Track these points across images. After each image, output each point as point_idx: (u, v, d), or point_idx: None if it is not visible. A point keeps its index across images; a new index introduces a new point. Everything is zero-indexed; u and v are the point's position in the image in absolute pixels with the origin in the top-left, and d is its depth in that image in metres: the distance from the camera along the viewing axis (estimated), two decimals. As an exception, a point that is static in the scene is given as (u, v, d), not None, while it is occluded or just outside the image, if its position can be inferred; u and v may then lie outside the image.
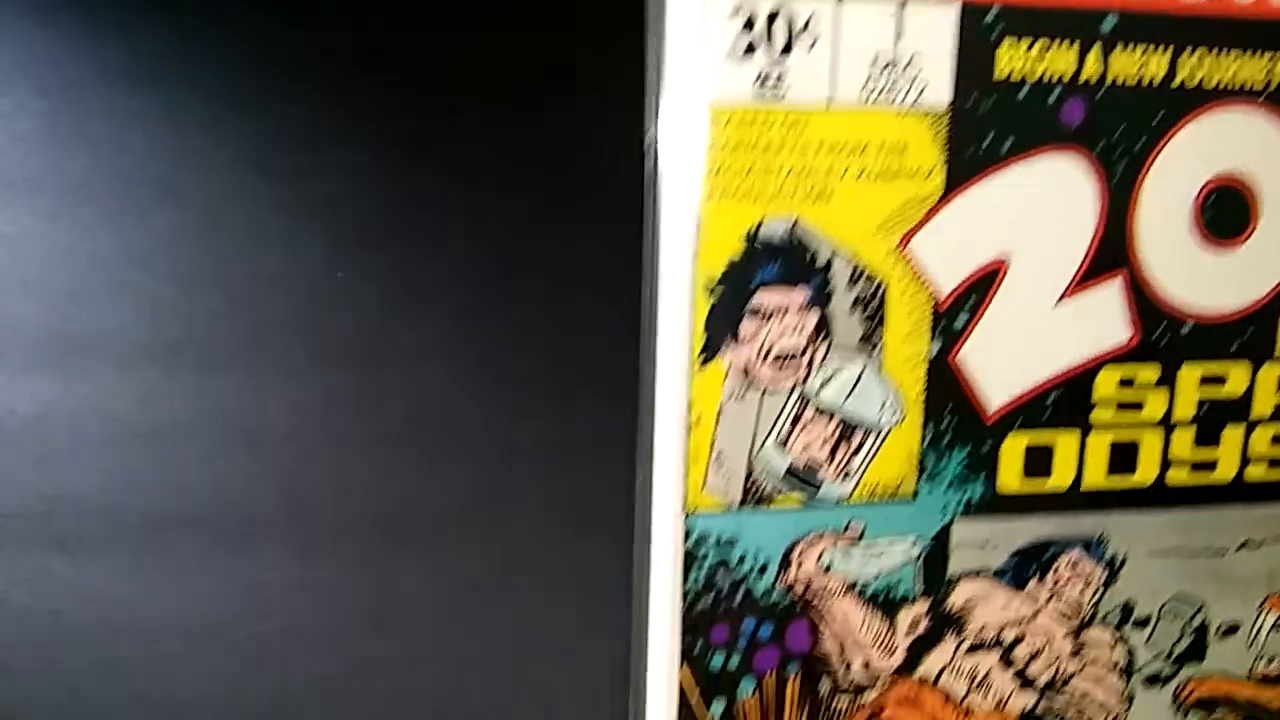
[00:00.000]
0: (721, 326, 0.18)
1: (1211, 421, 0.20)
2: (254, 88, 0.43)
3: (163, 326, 0.42)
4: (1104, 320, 0.19)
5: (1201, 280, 0.20)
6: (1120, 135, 0.19)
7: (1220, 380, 0.20)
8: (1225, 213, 0.20)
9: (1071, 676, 0.21)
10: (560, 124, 0.36)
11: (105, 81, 0.43)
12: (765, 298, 0.18)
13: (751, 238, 0.18)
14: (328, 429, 0.40)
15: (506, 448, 0.39)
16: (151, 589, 0.39)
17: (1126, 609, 0.21)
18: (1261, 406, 0.20)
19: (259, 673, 0.38)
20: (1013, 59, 0.18)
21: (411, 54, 0.42)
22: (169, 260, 0.42)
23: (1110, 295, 0.19)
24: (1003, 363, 0.19)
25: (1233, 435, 0.20)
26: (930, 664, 0.20)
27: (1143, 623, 0.21)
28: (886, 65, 0.18)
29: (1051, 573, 0.20)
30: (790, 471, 0.19)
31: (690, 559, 0.19)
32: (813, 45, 0.18)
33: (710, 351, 0.18)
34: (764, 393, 0.19)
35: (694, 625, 0.19)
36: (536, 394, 0.37)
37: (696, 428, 0.19)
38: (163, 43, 0.43)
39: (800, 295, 0.18)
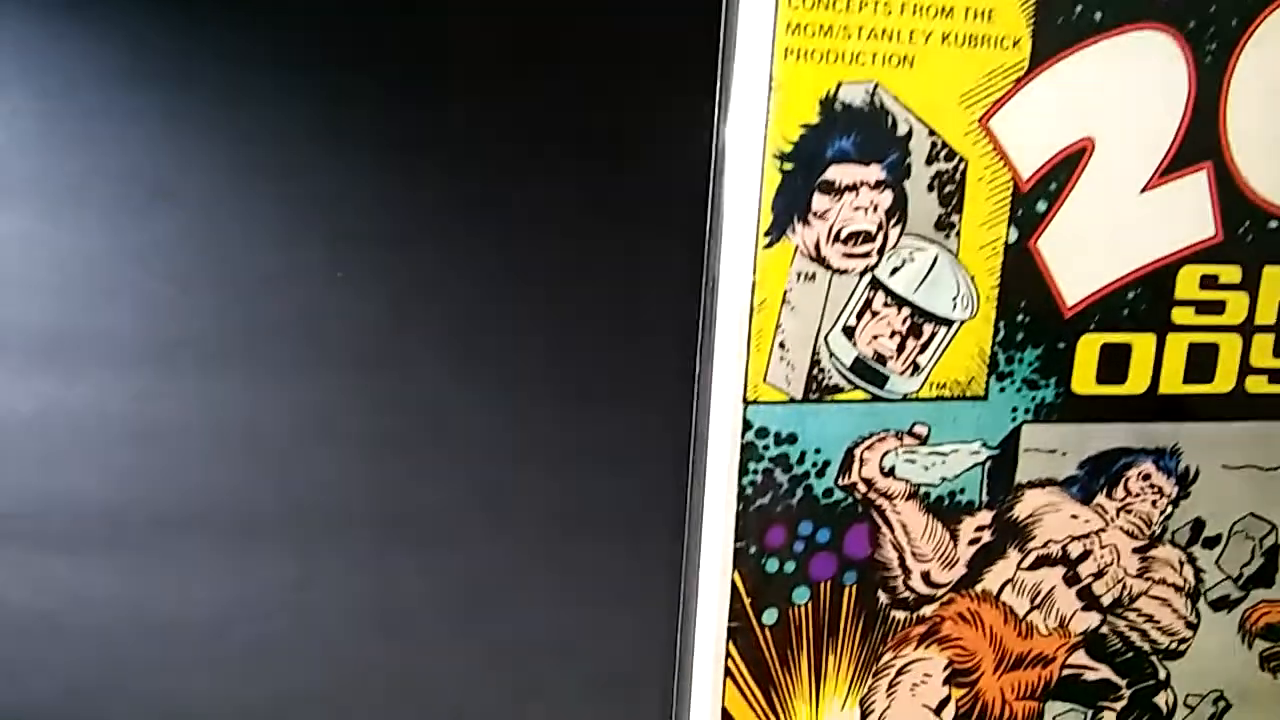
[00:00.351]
0: (791, 203, 0.17)
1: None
2: (252, 89, 0.42)
3: (162, 326, 0.41)
4: (1188, 214, 0.18)
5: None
6: (1213, 14, 0.18)
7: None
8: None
9: (1137, 597, 0.20)
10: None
11: (104, 83, 0.43)
12: (839, 172, 0.17)
13: (828, 104, 0.17)
14: (327, 429, 0.40)
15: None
16: (151, 588, 0.39)
17: (1197, 527, 0.20)
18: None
19: (259, 672, 0.38)
20: (1105, -74, 0.17)
21: (412, 51, 0.41)
22: (168, 260, 0.42)
23: (1196, 187, 0.18)
24: (1082, 254, 0.18)
25: (1316, 345, 0.20)
26: (991, 578, 0.19)
27: (1212, 542, 0.20)
28: (975, -76, 0.17)
29: (1121, 485, 0.19)
30: (856, 363, 0.18)
31: (748, 454, 0.18)
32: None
33: (778, 230, 0.17)
34: (832, 277, 0.18)
35: (749, 526, 0.18)
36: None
37: (760, 312, 0.17)
38: (161, 44, 0.43)
39: (875, 171, 0.17)
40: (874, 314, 0.18)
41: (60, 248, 0.42)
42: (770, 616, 0.19)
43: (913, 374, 0.18)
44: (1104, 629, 0.20)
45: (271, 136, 0.42)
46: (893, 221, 0.18)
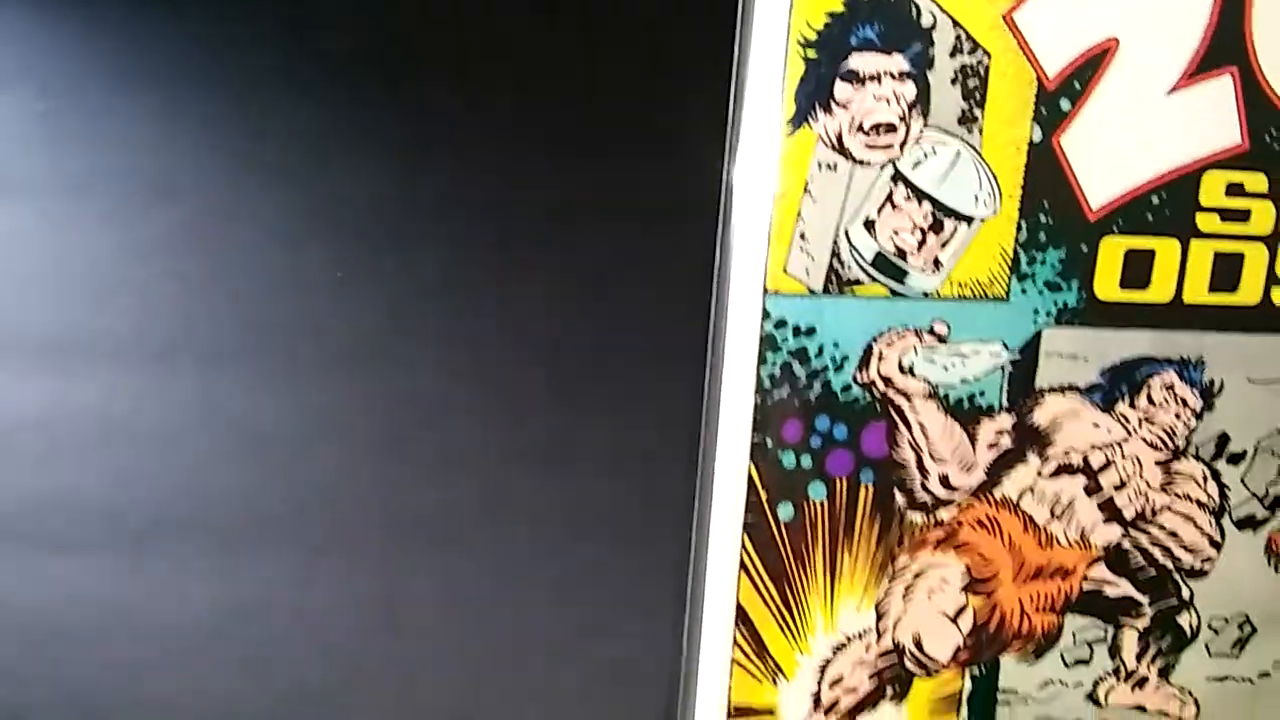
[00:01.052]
0: (814, 91, 0.17)
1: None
2: (253, 88, 0.43)
3: (163, 326, 0.41)
4: (1215, 118, 0.18)
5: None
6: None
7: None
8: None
9: (1159, 511, 0.20)
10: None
11: (106, 82, 0.43)
12: (862, 61, 0.17)
13: (852, -9, 0.17)
14: (329, 429, 0.40)
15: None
16: (152, 590, 0.38)
17: (1221, 441, 0.20)
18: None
19: (260, 674, 0.38)
20: None
21: (412, 52, 0.42)
22: (169, 260, 0.42)
23: (1223, 91, 0.18)
24: (1107, 155, 0.18)
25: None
26: (1011, 485, 0.19)
27: (1237, 458, 0.20)
28: None
29: (1144, 394, 0.19)
30: (877, 257, 0.18)
31: (766, 345, 0.18)
32: None
33: (800, 118, 0.17)
34: (854, 169, 0.18)
35: (766, 419, 0.18)
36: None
37: (781, 201, 0.18)
38: (163, 44, 0.43)
39: (899, 62, 0.17)
40: (895, 208, 0.18)
41: (61, 247, 0.42)
42: (786, 512, 0.19)
43: (934, 271, 0.18)
44: (1125, 543, 0.20)
45: (273, 136, 0.43)
46: (915, 114, 0.18)
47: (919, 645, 0.19)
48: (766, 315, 0.18)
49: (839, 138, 0.18)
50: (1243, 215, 0.19)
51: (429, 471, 0.39)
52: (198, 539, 0.39)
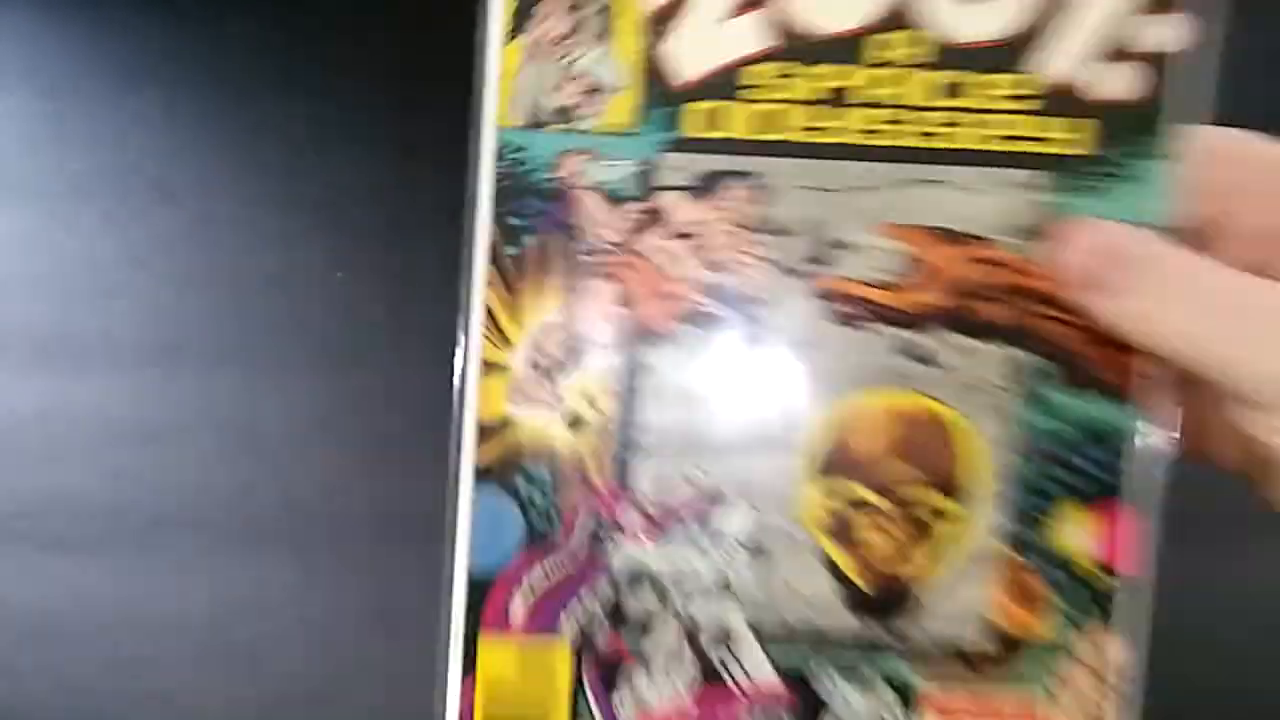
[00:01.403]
0: (527, 6, 0.32)
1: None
2: (253, 90, 0.45)
3: (162, 327, 0.43)
4: (756, 36, 0.32)
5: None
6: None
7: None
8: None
9: (736, 263, 0.33)
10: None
11: (107, 84, 0.44)
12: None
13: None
14: (326, 429, 0.42)
15: None
16: (151, 588, 0.40)
17: (775, 223, 0.33)
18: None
19: (259, 671, 0.39)
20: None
21: (412, 55, 0.44)
22: (168, 261, 0.43)
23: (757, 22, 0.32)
24: (690, 51, 0.32)
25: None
26: (644, 244, 0.33)
27: (783, 232, 0.33)
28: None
29: (723, 192, 0.33)
30: (559, 108, 0.33)
31: (498, 156, 0.33)
32: None
33: (513, 34, 0.33)
34: (543, 64, 0.33)
35: (501, 201, 0.33)
36: None
37: (506, 79, 0.33)
38: (163, 46, 0.45)
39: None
40: (573, 80, 0.33)
41: (61, 248, 0.43)
42: (514, 251, 0.33)
43: (594, 118, 0.33)
44: (715, 281, 0.33)
45: (272, 138, 0.44)
46: (576, 33, 0.32)
47: (590, 331, 0.33)
48: (499, 140, 0.33)
49: (535, 43, 0.33)
50: (779, 87, 0.32)
51: (427, 471, 0.37)
52: (197, 537, 0.40)
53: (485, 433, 0.33)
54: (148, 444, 0.41)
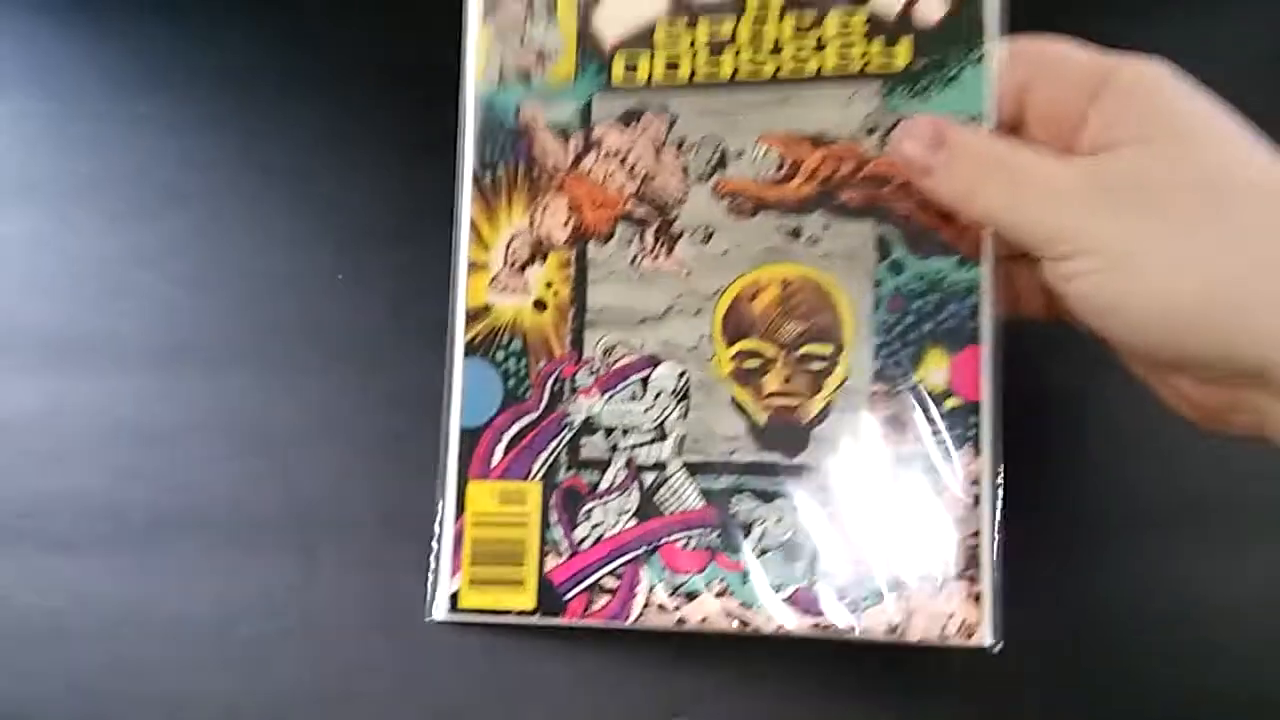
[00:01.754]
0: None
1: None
2: (260, 93, 0.45)
3: (168, 328, 0.42)
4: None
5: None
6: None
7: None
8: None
9: (656, 176, 0.43)
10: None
11: (112, 86, 0.44)
12: (505, -5, 0.44)
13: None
14: (333, 429, 0.41)
15: None
16: (156, 588, 0.39)
17: (683, 141, 0.42)
18: None
19: (264, 671, 0.39)
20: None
21: (413, 59, 0.46)
22: (175, 262, 0.43)
23: None
24: (611, 20, 0.43)
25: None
26: (583, 166, 0.43)
27: (689, 147, 0.42)
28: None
29: (642, 122, 0.43)
30: (517, 70, 0.44)
31: (479, 105, 0.44)
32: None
33: (489, 11, 0.44)
34: (507, 38, 0.44)
35: (482, 139, 0.44)
36: None
37: (481, 52, 0.44)
38: (168, 48, 0.45)
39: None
40: (530, 51, 0.44)
41: (68, 249, 0.42)
42: (488, 177, 0.44)
43: (541, 74, 0.43)
44: (640, 192, 0.43)
45: (279, 140, 0.45)
46: (532, 15, 0.44)
47: (549, 234, 0.43)
48: (478, 97, 0.44)
49: (500, 24, 0.44)
50: (677, 40, 0.42)
51: (429, 470, 0.41)
52: (202, 537, 0.39)
53: (471, 317, 0.43)
54: (153, 444, 0.40)
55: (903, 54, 0.40)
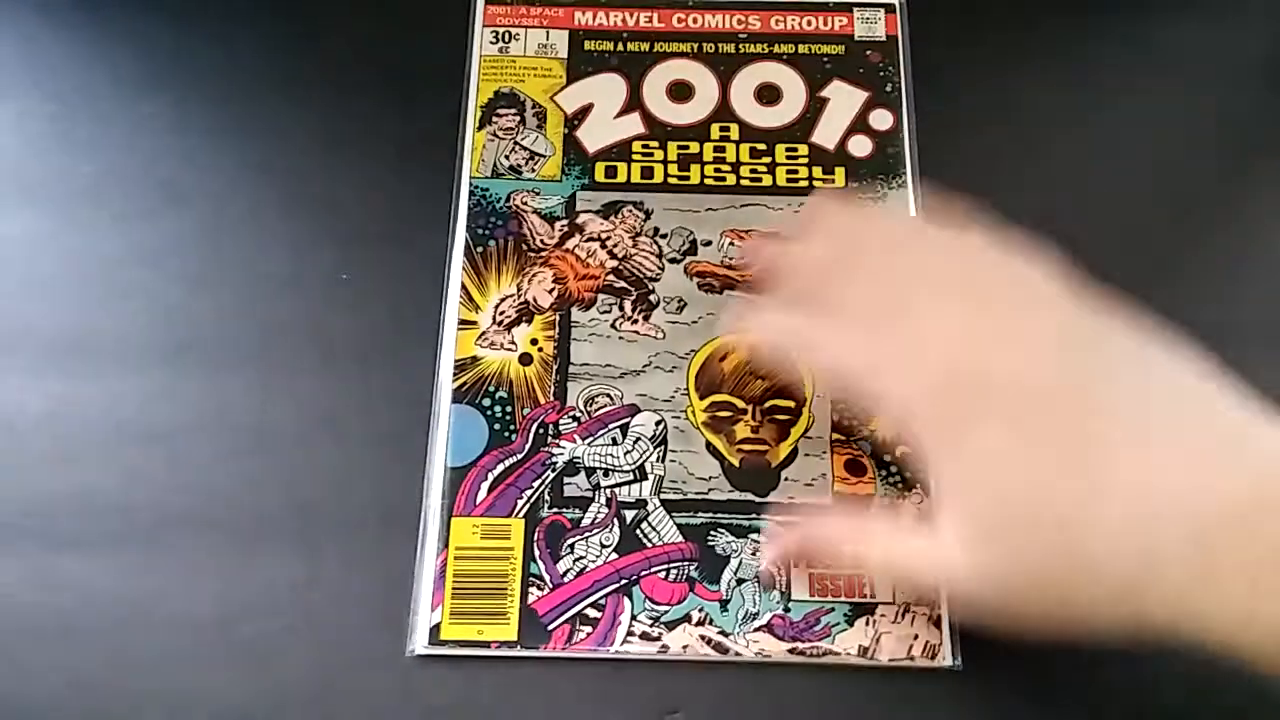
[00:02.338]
0: (490, 110, 0.50)
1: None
2: (262, 94, 0.46)
3: (171, 327, 0.42)
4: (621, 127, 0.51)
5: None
6: None
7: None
8: None
9: (631, 256, 0.49)
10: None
11: (114, 87, 0.44)
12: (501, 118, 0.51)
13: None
14: (335, 428, 0.41)
15: None
16: (160, 586, 0.39)
17: (657, 230, 0.49)
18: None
19: (267, 668, 0.38)
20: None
21: (415, 61, 0.47)
22: (177, 262, 0.43)
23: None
24: (591, 133, 0.50)
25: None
26: (569, 245, 0.49)
27: (665, 235, 0.49)
28: None
29: (620, 213, 0.49)
30: (512, 166, 0.50)
31: (471, 197, 0.49)
32: None
33: (485, 121, 0.50)
34: (499, 139, 0.50)
35: (472, 219, 0.48)
36: None
37: (476, 152, 0.50)
38: (170, 49, 0.45)
39: (510, 119, 0.51)
40: (516, 150, 0.50)
41: (71, 249, 0.42)
42: (479, 250, 0.48)
43: (532, 170, 0.50)
44: (620, 267, 0.48)
45: (280, 141, 0.45)
46: (521, 126, 0.51)
47: (535, 300, 0.47)
48: (471, 185, 0.49)
49: (494, 132, 0.50)
50: (652, 152, 0.50)
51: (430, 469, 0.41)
52: (206, 536, 0.39)
53: (460, 366, 0.46)
54: (157, 443, 0.40)
55: (839, 179, 0.50)
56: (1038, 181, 0.42)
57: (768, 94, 0.51)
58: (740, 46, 0.52)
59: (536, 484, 0.44)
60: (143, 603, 0.38)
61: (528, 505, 0.44)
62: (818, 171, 0.50)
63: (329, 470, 0.40)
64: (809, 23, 0.52)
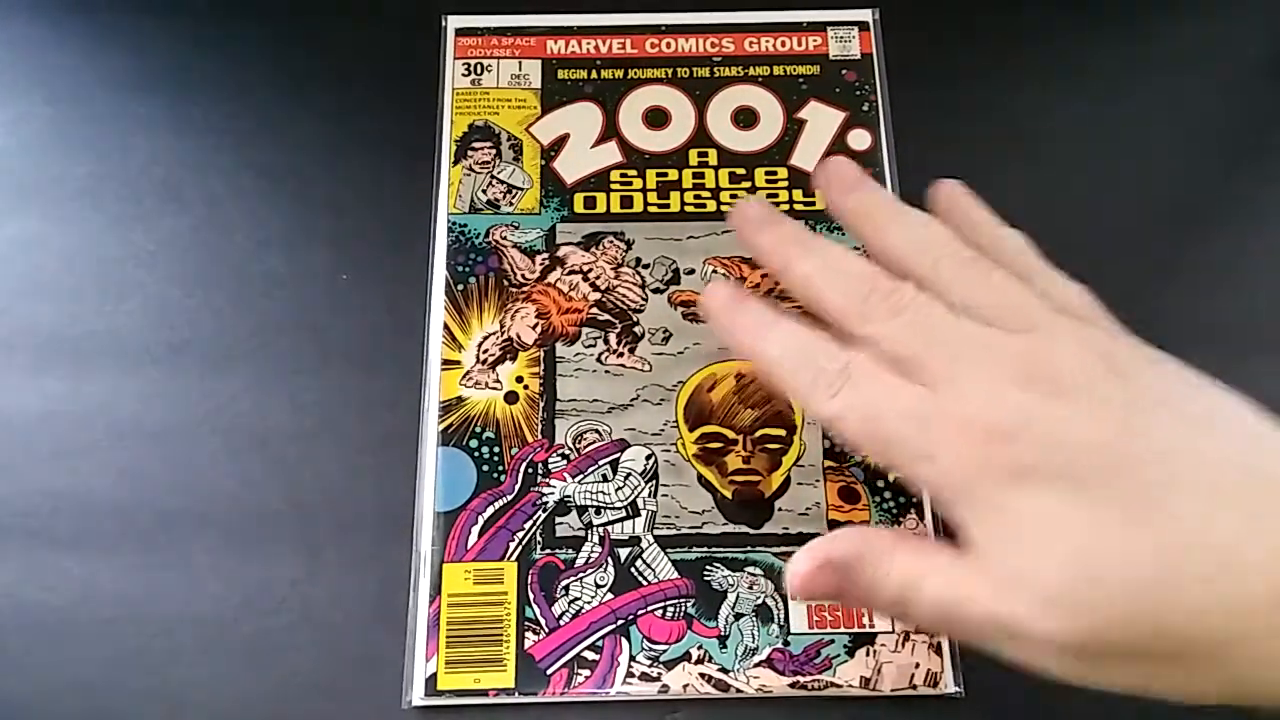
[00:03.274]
0: (465, 145, 0.50)
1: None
2: (259, 94, 0.46)
3: (169, 327, 0.42)
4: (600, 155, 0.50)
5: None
6: None
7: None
8: None
9: (615, 288, 0.48)
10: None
11: (111, 88, 0.44)
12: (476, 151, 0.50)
13: (470, 122, 0.51)
14: (333, 428, 0.42)
15: None
16: (159, 585, 0.39)
17: (639, 260, 0.48)
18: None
19: (265, 667, 0.38)
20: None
21: (413, 61, 0.47)
22: (175, 263, 0.43)
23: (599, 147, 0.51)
24: (568, 165, 0.50)
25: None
26: (552, 278, 0.48)
27: (648, 265, 0.48)
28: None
29: (601, 245, 0.49)
30: (490, 201, 0.49)
31: (450, 231, 0.48)
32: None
33: (460, 156, 0.50)
34: (477, 174, 0.50)
35: (452, 255, 0.48)
36: None
37: (453, 187, 0.49)
38: (168, 51, 0.45)
39: (485, 152, 0.50)
40: (494, 183, 0.49)
41: (69, 250, 0.42)
42: (461, 286, 0.47)
43: (510, 206, 0.49)
44: (603, 298, 0.48)
45: (278, 141, 0.45)
46: (498, 160, 0.50)
47: (519, 336, 0.47)
48: (449, 221, 0.49)
49: (470, 166, 0.50)
50: (630, 181, 0.50)
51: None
52: (205, 535, 0.39)
53: (445, 408, 0.45)
54: (155, 443, 0.40)
55: (819, 201, 0.49)
56: (1023, 189, 0.42)
57: (744, 117, 0.51)
58: (715, 70, 0.52)
59: (528, 525, 0.43)
60: (141, 601, 0.38)
61: (520, 548, 0.43)
62: (798, 194, 0.49)
63: (327, 470, 0.40)
64: (783, 44, 0.52)
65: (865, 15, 0.52)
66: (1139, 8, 0.51)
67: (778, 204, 0.49)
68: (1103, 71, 0.50)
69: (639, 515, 0.44)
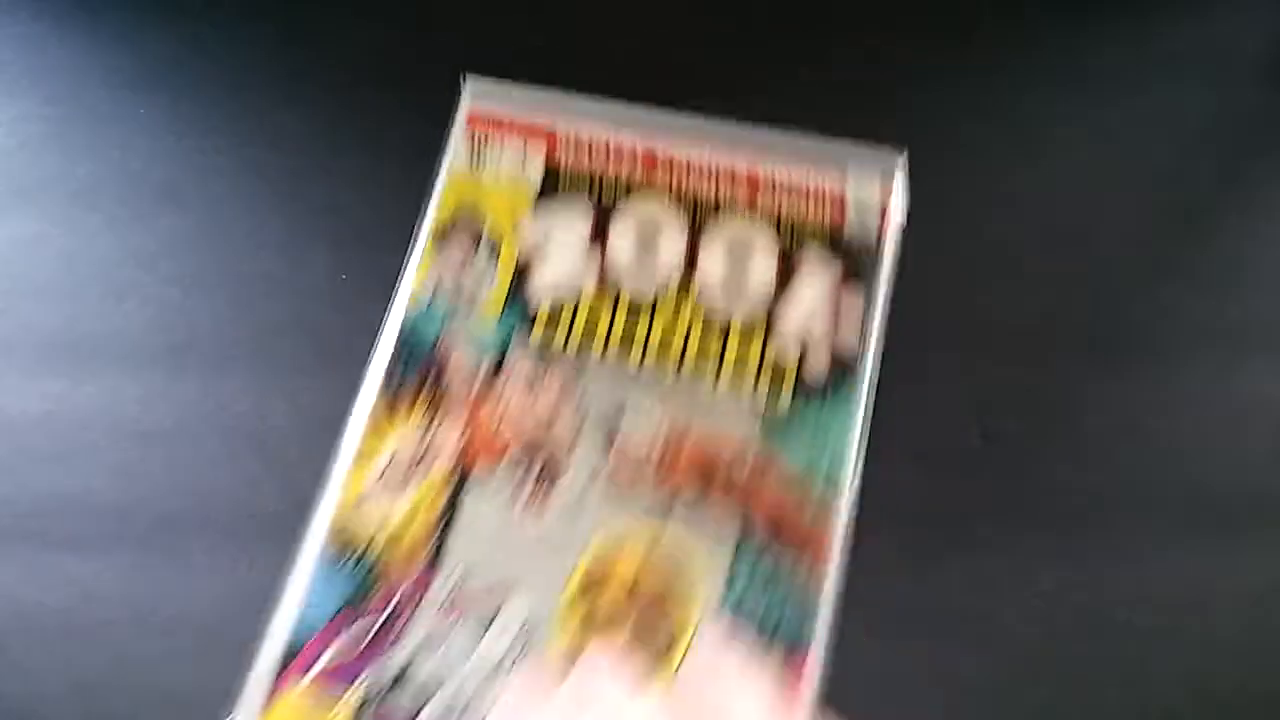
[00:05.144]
0: (440, 237, 0.47)
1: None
2: (258, 96, 0.45)
3: (168, 328, 0.42)
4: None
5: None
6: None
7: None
8: None
9: (553, 423, 0.45)
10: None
11: (111, 89, 0.44)
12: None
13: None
14: (331, 429, 0.41)
15: None
16: (159, 586, 0.39)
17: (584, 394, 0.45)
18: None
19: None
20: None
21: (410, 60, 0.46)
22: (174, 264, 0.42)
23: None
24: (546, 289, 0.47)
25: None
26: (490, 393, 0.45)
27: (590, 401, 0.45)
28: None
29: (551, 371, 0.45)
30: (453, 292, 0.46)
31: (405, 323, 0.46)
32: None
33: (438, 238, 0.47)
34: (447, 271, 0.47)
35: (393, 361, 0.45)
36: None
37: (417, 283, 0.47)
38: (167, 52, 0.45)
39: (465, 247, 0.47)
40: (465, 281, 0.47)
41: (69, 251, 0.42)
42: (398, 385, 0.45)
43: (475, 305, 0.46)
44: (534, 434, 0.45)
45: (276, 143, 0.45)
46: (467, 269, 0.47)
47: (438, 450, 0.44)
48: (404, 317, 0.45)
49: (439, 264, 0.47)
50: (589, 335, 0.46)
51: None
52: (204, 536, 0.39)
53: (337, 526, 0.42)
54: (155, 444, 0.40)
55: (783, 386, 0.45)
56: (1023, 189, 0.39)
57: (739, 251, 0.46)
58: (720, 197, 0.47)
59: (381, 667, 0.41)
60: (141, 602, 0.39)
61: (363, 690, 0.41)
62: (764, 383, 0.45)
63: (326, 470, 0.39)
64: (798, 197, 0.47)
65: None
66: (1139, 8, 0.49)
67: (739, 388, 0.45)
68: (1103, 71, 0.48)
69: (507, 675, 0.41)
